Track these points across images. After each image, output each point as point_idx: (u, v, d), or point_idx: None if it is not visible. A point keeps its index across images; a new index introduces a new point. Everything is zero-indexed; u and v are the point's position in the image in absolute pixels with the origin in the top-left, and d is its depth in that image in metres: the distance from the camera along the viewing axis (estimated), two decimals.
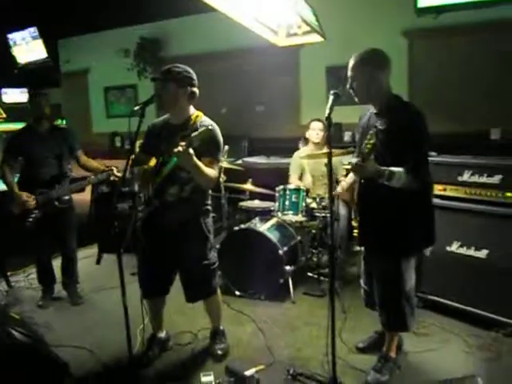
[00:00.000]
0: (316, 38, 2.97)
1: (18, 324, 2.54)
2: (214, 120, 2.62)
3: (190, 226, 2.61)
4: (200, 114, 2.60)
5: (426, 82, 5.30)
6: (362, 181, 2.37)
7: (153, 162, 2.57)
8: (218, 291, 2.82)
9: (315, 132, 4.13)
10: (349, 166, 2.93)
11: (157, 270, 2.68)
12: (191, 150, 2.25)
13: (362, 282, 2.69)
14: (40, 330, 2.88)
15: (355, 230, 2.55)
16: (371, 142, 2.06)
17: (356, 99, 2.34)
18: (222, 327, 2.91)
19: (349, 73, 2.32)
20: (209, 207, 2.71)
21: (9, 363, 2.25)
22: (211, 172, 2.46)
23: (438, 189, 3.06)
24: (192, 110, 2.60)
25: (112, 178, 3.45)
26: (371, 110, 2.42)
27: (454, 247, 3.05)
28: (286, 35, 3.04)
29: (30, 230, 3.37)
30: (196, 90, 2.54)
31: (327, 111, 2.07)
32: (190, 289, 2.71)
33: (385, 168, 2.12)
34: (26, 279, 4.14)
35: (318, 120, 4.13)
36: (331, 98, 2.12)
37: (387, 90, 2.32)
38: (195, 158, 2.29)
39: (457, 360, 2.65)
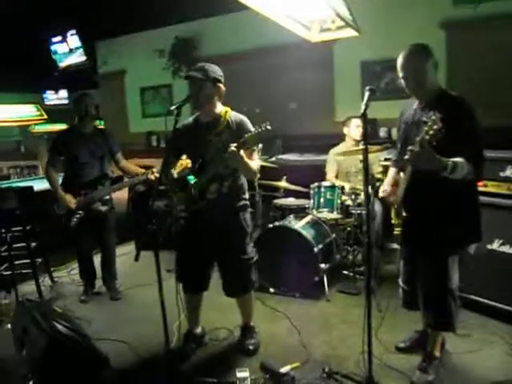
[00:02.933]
0: (350, 32, 2.92)
1: (60, 317, 2.64)
2: (249, 118, 2.64)
3: (230, 221, 2.65)
4: (228, 109, 2.65)
5: (464, 74, 5.13)
6: (409, 177, 2.29)
7: (185, 162, 2.63)
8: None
9: (357, 128, 4.06)
10: (385, 163, 2.86)
11: (196, 267, 2.72)
12: (241, 151, 2.32)
13: (400, 281, 2.64)
14: (81, 323, 3.00)
15: (397, 229, 2.49)
16: (434, 127, 1.95)
17: (409, 92, 2.31)
18: (252, 323, 2.93)
19: (402, 72, 2.27)
20: (247, 202, 2.75)
21: (52, 354, 2.35)
22: (255, 164, 2.58)
23: (478, 185, 2.95)
24: (220, 107, 2.64)
25: (151, 177, 3.49)
26: (415, 105, 2.37)
27: (495, 245, 2.94)
28: (319, 30, 3.01)
29: (73, 228, 3.49)
30: (223, 88, 2.59)
31: (363, 107, 2.04)
32: (230, 283, 2.75)
33: (447, 159, 2.04)
34: (68, 275, 4.29)
35: (357, 116, 4.07)
36: (367, 93, 2.09)
37: (436, 83, 2.29)
38: (245, 158, 2.39)
39: (499, 362, 2.56)
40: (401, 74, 2.29)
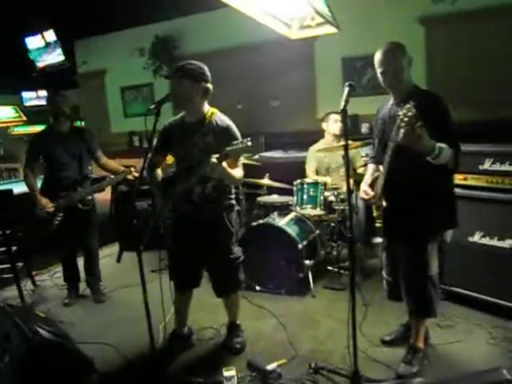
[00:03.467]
0: (330, 29, 2.93)
1: (43, 322, 2.61)
2: (230, 116, 2.63)
3: (215, 223, 2.64)
4: (215, 110, 2.60)
5: (444, 70, 5.21)
6: (388, 166, 2.32)
7: (170, 160, 2.60)
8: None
9: (336, 123, 4.08)
10: (366, 158, 2.88)
11: (187, 264, 2.72)
12: (224, 163, 2.30)
13: (384, 273, 2.67)
14: (65, 326, 2.97)
15: (378, 221, 2.52)
16: (409, 114, 2.00)
17: (388, 90, 2.39)
18: (238, 322, 2.94)
19: (381, 68, 2.33)
20: (233, 201, 2.73)
21: (35, 359, 2.31)
22: (239, 173, 2.54)
23: (458, 178, 2.99)
24: (207, 107, 2.59)
25: (129, 177, 3.47)
26: (390, 101, 2.44)
27: (476, 238, 2.99)
28: (299, 28, 3.01)
29: (55, 231, 3.45)
30: (210, 86, 2.53)
31: (342, 103, 2.05)
32: (219, 283, 2.75)
33: (435, 142, 2.11)
34: (51, 278, 4.23)
35: (336, 112, 4.09)
36: (346, 89, 2.11)
37: (410, 80, 2.37)
38: (227, 169, 2.35)
39: (481, 352, 2.61)
40: (379, 70, 2.34)
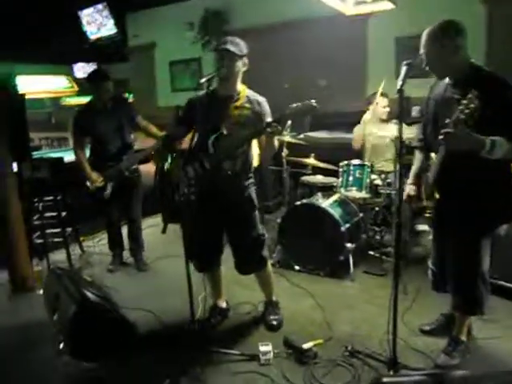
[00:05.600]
0: (386, 5, 2.82)
1: (90, 285, 2.72)
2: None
3: (241, 199, 2.65)
4: (245, 86, 2.62)
5: (505, 52, 4.89)
6: (443, 157, 2.20)
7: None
8: (269, 263, 2.85)
9: (383, 108, 3.95)
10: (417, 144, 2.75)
11: (205, 245, 2.73)
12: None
13: (430, 263, 2.58)
14: (110, 292, 3.08)
15: (428, 211, 2.42)
16: (471, 106, 1.85)
17: (435, 75, 2.22)
18: (275, 298, 2.95)
19: (422, 49, 2.18)
20: (253, 180, 2.74)
21: (82, 320, 2.42)
22: (276, 143, 2.57)
23: None
24: (240, 83, 2.60)
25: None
26: (446, 80, 2.27)
27: None
28: (354, 3, 2.91)
29: (103, 199, 3.58)
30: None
31: (399, 83, 1.96)
32: (242, 262, 2.75)
33: (485, 137, 1.95)
34: (97, 245, 4.40)
35: (383, 95, 3.95)
36: (404, 68, 2.01)
37: (465, 60, 2.16)
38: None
39: None
40: (421, 51, 2.17)
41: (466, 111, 1.87)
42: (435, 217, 2.41)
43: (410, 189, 2.48)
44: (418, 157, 2.55)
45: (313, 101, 2.23)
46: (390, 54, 5.65)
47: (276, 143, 2.58)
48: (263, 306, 2.98)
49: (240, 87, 2.59)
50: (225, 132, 2.49)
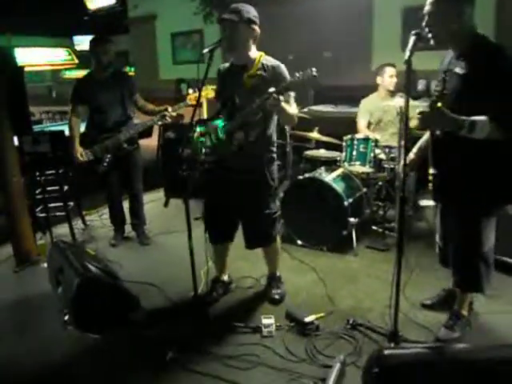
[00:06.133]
0: None
1: (93, 259, 2.73)
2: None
3: (255, 174, 2.59)
4: (263, 54, 2.54)
5: None
6: (437, 132, 2.17)
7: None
8: (278, 238, 2.84)
9: (391, 78, 3.87)
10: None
11: (222, 217, 2.72)
12: (281, 97, 2.25)
13: (437, 237, 2.57)
14: (113, 265, 3.10)
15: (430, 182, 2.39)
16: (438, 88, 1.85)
17: (431, 41, 2.07)
18: (278, 273, 2.96)
19: (426, 8, 2.07)
20: (274, 155, 2.67)
21: (85, 293, 2.44)
22: (294, 109, 2.49)
23: None
24: (255, 51, 2.53)
25: (167, 117, 3.48)
26: (452, 53, 2.19)
27: None
28: None
29: (103, 172, 3.55)
30: (259, 30, 2.47)
31: (407, 53, 1.89)
32: (251, 237, 2.74)
33: (464, 118, 1.92)
34: (100, 219, 4.40)
35: (391, 65, 3.87)
36: (412, 38, 1.95)
37: (470, 30, 2.05)
38: (283, 103, 2.29)
39: None
40: (425, 9, 2.08)
41: (437, 89, 1.85)
42: (434, 192, 2.35)
43: (412, 155, 2.47)
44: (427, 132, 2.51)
45: (313, 69, 2.15)
46: (397, 25, 5.53)
47: (295, 112, 2.50)
48: (266, 280, 2.99)
49: (255, 54, 2.51)
50: (237, 101, 2.46)
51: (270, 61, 2.50)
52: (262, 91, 2.28)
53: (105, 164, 3.51)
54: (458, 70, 2.04)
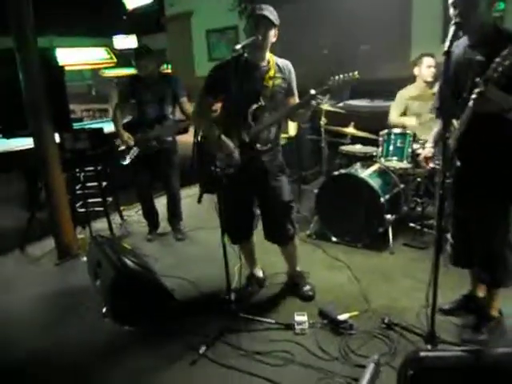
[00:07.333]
0: None
1: (130, 253, 2.80)
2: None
3: (275, 167, 2.63)
4: (271, 54, 2.55)
5: None
6: (467, 121, 2.05)
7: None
8: (296, 238, 2.83)
9: (429, 69, 3.74)
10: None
11: (241, 217, 2.73)
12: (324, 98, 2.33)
13: (449, 236, 2.43)
14: (149, 260, 3.17)
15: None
16: (505, 63, 1.75)
17: (453, 26, 1.93)
18: (299, 269, 2.95)
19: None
20: (280, 145, 2.73)
21: (121, 286, 2.50)
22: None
23: None
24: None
25: None
26: (464, 42, 2.12)
27: None
28: None
29: (132, 167, 3.68)
30: None
31: (447, 43, 1.81)
32: (273, 228, 2.73)
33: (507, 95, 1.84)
34: (136, 214, 4.50)
35: (429, 55, 3.73)
36: (452, 28, 1.86)
37: (490, 21, 2.01)
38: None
39: None
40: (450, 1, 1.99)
41: (500, 69, 1.76)
42: (455, 186, 2.25)
43: (428, 151, 2.40)
44: (438, 122, 2.42)
45: (355, 72, 2.20)
46: (437, 14, 5.34)
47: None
48: (288, 277, 2.98)
49: (268, 55, 2.52)
50: (263, 103, 2.46)
51: (283, 61, 2.55)
52: (284, 93, 2.44)
53: (129, 157, 3.63)
54: (479, 57, 1.98)
